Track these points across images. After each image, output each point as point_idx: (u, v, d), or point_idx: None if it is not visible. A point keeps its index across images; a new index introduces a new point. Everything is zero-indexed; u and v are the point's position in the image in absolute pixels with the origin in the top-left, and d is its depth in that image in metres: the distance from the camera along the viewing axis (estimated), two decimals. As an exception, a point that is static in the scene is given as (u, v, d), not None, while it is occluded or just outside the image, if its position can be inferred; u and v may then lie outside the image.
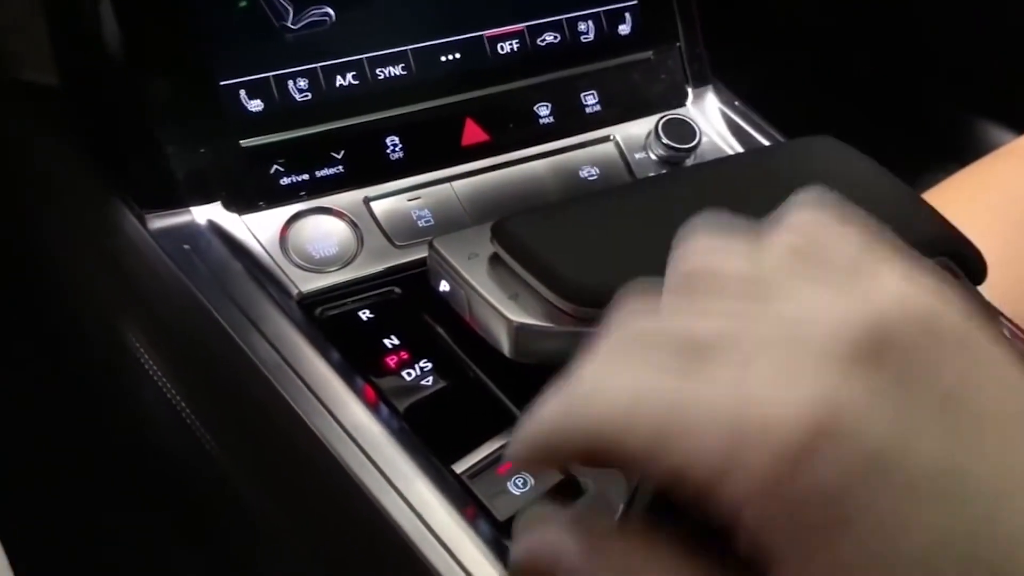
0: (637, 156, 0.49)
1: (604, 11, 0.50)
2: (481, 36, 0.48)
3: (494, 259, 0.38)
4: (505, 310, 0.37)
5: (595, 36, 0.50)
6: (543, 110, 0.49)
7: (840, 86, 0.85)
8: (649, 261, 0.37)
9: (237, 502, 0.43)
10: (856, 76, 0.86)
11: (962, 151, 0.81)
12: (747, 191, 0.41)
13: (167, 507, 0.51)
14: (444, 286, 0.39)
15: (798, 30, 0.87)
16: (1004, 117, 0.87)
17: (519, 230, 0.38)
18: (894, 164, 0.49)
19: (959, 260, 0.41)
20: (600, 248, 0.38)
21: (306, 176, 0.44)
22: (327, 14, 0.45)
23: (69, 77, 0.46)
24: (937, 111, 0.89)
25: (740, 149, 0.51)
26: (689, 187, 0.42)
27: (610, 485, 0.37)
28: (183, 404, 0.44)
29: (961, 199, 0.62)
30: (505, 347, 0.37)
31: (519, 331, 0.37)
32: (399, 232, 0.44)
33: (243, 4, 0.43)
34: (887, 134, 0.85)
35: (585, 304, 0.37)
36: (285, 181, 0.44)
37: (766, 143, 0.51)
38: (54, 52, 0.46)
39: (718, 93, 0.52)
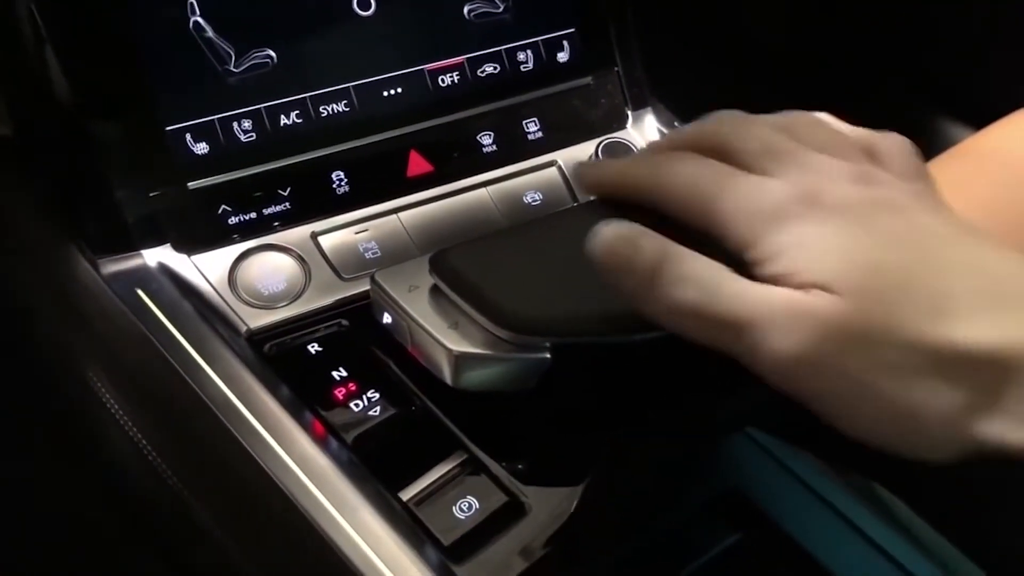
0: (580, 180, 0.50)
1: (542, 40, 0.51)
2: (422, 70, 0.49)
3: (434, 290, 0.40)
4: (445, 339, 0.38)
5: (534, 65, 0.51)
6: (486, 139, 0.50)
7: (792, 96, 0.87)
8: (585, 287, 0.39)
9: (198, 534, 0.44)
10: (807, 83, 0.88)
11: (920, 147, 0.82)
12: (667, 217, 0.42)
13: (132, 538, 0.52)
14: (387, 318, 0.40)
15: (746, 42, 0.88)
16: (959, 113, 0.88)
17: (456, 261, 0.40)
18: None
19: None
20: (537, 276, 0.39)
21: (253, 214, 0.45)
22: (269, 56, 0.46)
23: (20, 127, 0.47)
24: (893, 111, 0.91)
25: (680, 168, 0.52)
26: (623, 211, 0.43)
27: (555, 504, 0.39)
28: (144, 441, 0.45)
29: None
30: (447, 376, 0.38)
31: (459, 360, 0.38)
32: (346, 265, 0.45)
33: (186, 49, 0.44)
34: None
35: (522, 331, 0.38)
36: (233, 220, 0.45)
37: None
38: (4, 102, 0.47)
39: (658, 114, 0.53)
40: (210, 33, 0.45)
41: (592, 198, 0.50)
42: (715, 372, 0.44)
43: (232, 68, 0.45)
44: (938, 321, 0.31)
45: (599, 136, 0.51)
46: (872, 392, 0.31)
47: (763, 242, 0.33)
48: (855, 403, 0.32)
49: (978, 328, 0.31)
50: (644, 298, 0.34)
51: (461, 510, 0.37)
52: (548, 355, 0.38)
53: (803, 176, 0.34)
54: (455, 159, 0.49)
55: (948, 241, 0.33)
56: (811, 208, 0.33)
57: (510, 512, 0.38)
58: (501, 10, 0.50)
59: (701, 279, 0.33)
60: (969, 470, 0.44)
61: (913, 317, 0.31)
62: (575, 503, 0.39)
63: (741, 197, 0.34)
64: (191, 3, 0.45)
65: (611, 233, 0.35)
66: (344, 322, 0.44)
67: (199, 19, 0.45)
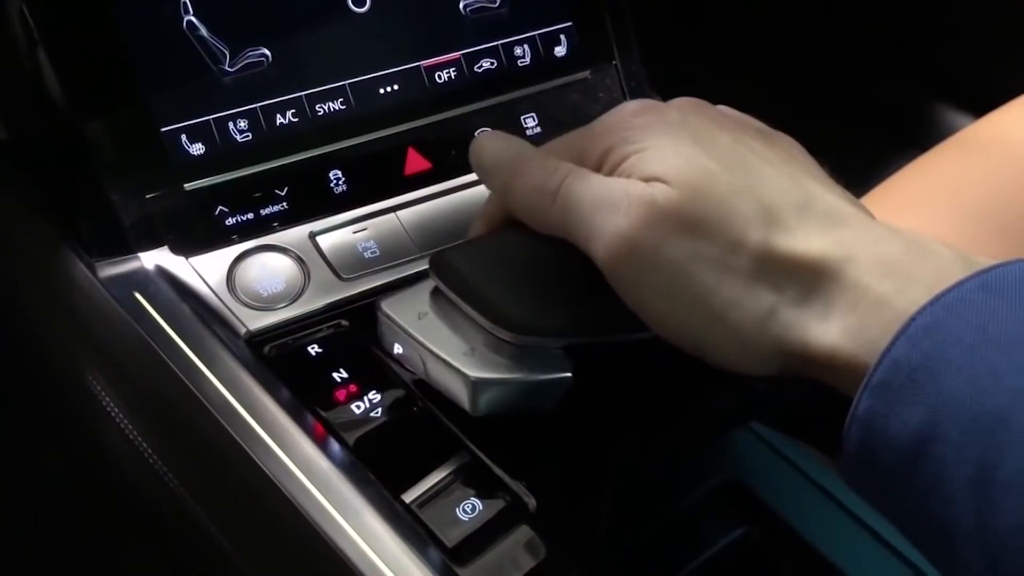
0: (578, 175, 0.50)
1: (539, 34, 0.51)
2: (419, 66, 0.49)
3: (445, 316, 0.39)
4: (462, 366, 0.37)
5: (532, 60, 0.51)
6: (484, 135, 0.50)
7: (791, 85, 0.86)
8: (586, 286, 0.38)
9: (198, 537, 0.44)
10: (806, 73, 0.87)
11: (922, 137, 0.82)
12: None
13: (132, 540, 0.52)
14: (397, 349, 0.40)
15: (744, 34, 0.87)
16: (961, 101, 0.88)
17: (457, 262, 0.39)
18: (855, 156, 0.50)
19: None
20: (538, 275, 0.39)
21: (251, 215, 0.45)
22: (264, 55, 0.46)
23: (14, 130, 0.47)
24: (892, 101, 0.91)
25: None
26: None
27: (558, 504, 0.38)
28: (144, 444, 0.45)
29: (912, 191, 0.63)
30: (466, 403, 0.38)
31: (476, 385, 0.37)
32: (345, 265, 0.45)
33: (179, 49, 0.44)
34: (846, 127, 0.86)
35: (525, 333, 0.37)
36: (230, 221, 0.45)
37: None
38: (0, 107, 0.47)
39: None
40: (204, 32, 0.44)
41: None
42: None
43: (227, 67, 0.45)
44: (763, 228, 0.33)
45: (597, 130, 0.51)
46: (688, 284, 0.33)
47: (613, 152, 0.36)
48: (672, 296, 0.34)
49: (796, 239, 0.33)
50: (505, 193, 0.39)
51: (464, 512, 0.37)
52: (569, 374, 0.37)
53: (651, 105, 0.38)
54: (453, 156, 0.49)
55: (781, 168, 0.36)
56: (657, 123, 0.36)
57: (513, 513, 0.37)
58: (497, 5, 0.50)
59: (556, 172, 0.37)
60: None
61: (740, 220, 0.33)
62: (578, 503, 0.39)
63: (596, 125, 0.38)
64: (184, 2, 0.44)
65: (485, 141, 0.40)
66: (344, 322, 0.43)
67: (192, 18, 0.44)
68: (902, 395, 0.30)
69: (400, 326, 0.39)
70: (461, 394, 0.38)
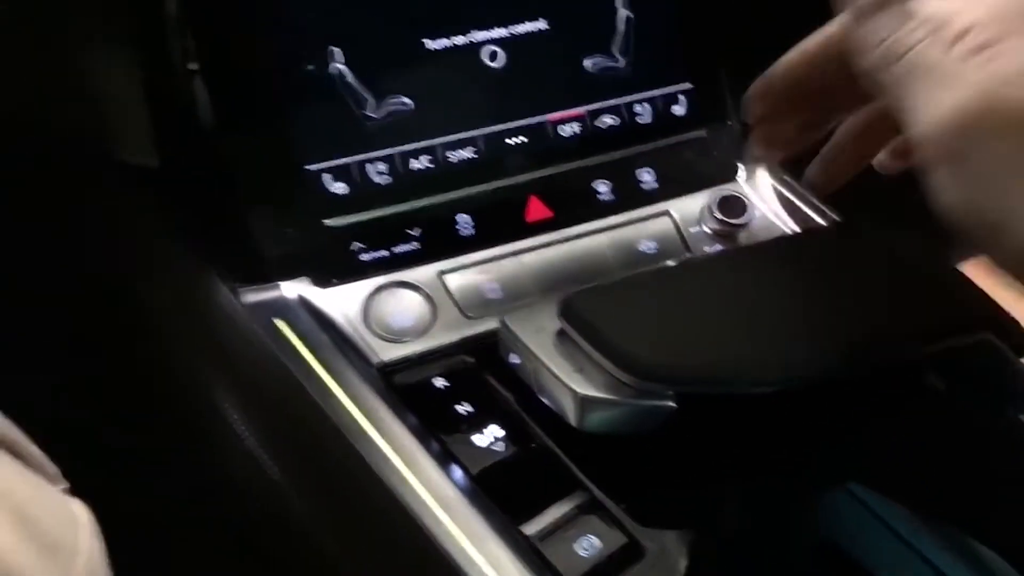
0: (692, 230, 0.52)
1: (660, 94, 0.53)
2: (544, 120, 0.51)
3: (561, 334, 0.41)
4: (571, 382, 0.40)
5: (651, 118, 0.53)
6: (603, 187, 0.52)
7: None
8: (710, 337, 0.40)
9: (317, 561, 0.46)
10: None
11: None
12: (793, 273, 0.44)
13: (258, 562, 0.54)
14: (513, 359, 0.42)
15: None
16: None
17: (584, 306, 0.41)
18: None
19: (1000, 334, 0.43)
20: (662, 323, 0.41)
21: (385, 252, 0.48)
22: (404, 103, 0.48)
23: (167, 160, 0.50)
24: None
25: (790, 222, 0.53)
26: (742, 268, 0.44)
27: (670, 547, 0.40)
28: (272, 465, 0.47)
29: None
30: (571, 417, 0.40)
31: (584, 402, 0.40)
32: (471, 304, 0.47)
33: (327, 94, 0.47)
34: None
35: (645, 378, 0.39)
36: (366, 257, 0.47)
37: (814, 216, 0.54)
38: (154, 136, 0.50)
39: (769, 169, 0.55)
40: (351, 80, 0.48)
41: (719, 248, 0.51)
42: (827, 426, 0.45)
43: (370, 113, 0.48)
44: None
45: (710, 187, 0.53)
46: (987, 179, 0.32)
47: (984, 29, 0.33)
48: (966, 186, 0.33)
49: None
50: (855, 21, 0.36)
51: (583, 548, 0.39)
52: (673, 403, 0.39)
53: None
54: (573, 206, 0.51)
55: None
56: None
57: (629, 553, 0.39)
58: (621, 65, 0.52)
59: (914, 32, 0.34)
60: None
61: None
62: (688, 548, 0.40)
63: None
64: (333, 51, 0.47)
65: None
66: (468, 359, 0.45)
67: (341, 66, 0.47)
68: None
69: (517, 338, 0.42)
70: (568, 408, 0.40)
